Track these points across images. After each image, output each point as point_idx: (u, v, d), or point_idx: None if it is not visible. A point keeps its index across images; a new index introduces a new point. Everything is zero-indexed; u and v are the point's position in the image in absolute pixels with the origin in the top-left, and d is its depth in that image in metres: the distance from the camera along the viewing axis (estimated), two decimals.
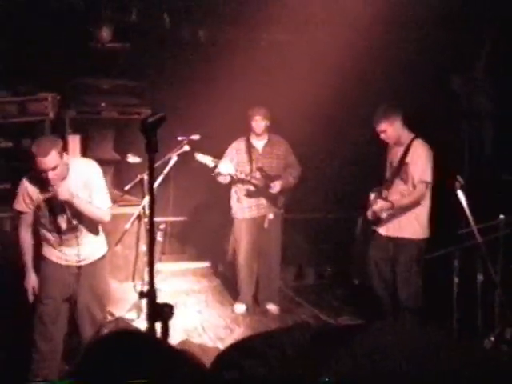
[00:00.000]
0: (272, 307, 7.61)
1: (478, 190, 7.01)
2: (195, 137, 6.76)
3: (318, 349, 2.35)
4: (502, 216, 5.73)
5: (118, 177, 8.43)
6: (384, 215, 6.60)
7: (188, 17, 8.75)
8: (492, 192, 7.19)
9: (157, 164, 6.50)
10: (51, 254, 5.61)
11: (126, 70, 8.73)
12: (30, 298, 5.60)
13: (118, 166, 8.46)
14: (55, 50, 8.42)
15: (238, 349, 2.32)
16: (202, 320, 7.30)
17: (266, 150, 7.52)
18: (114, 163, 8.49)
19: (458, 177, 5.57)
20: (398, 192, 6.58)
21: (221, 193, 7.83)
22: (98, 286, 5.76)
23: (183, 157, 6.79)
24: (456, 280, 5.66)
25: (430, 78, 8.03)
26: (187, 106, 8.83)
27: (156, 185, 6.49)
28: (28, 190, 5.42)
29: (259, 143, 7.53)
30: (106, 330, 5.22)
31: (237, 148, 7.52)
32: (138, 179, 6.67)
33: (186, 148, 6.70)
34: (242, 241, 7.61)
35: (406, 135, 6.61)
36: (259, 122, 7.38)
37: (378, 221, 6.70)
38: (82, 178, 5.46)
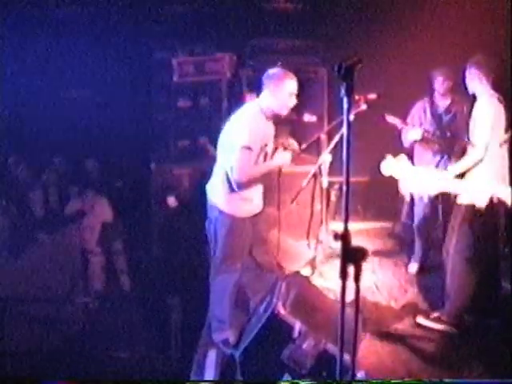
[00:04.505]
0: None
1: None
2: (372, 96, 6.66)
3: None
4: None
5: (294, 136, 8.50)
6: None
7: None
8: None
9: (332, 124, 6.51)
10: None
11: (300, 30, 8.75)
12: None
13: (293, 125, 8.54)
14: (231, 11, 8.59)
15: None
16: (376, 279, 7.26)
17: (448, 109, 7.26)
18: (290, 122, 8.58)
19: None
20: None
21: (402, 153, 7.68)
22: None
23: (360, 116, 6.71)
24: None
25: None
26: (364, 65, 8.74)
27: (332, 145, 6.49)
28: None
29: (443, 103, 7.29)
30: (283, 283, 5.33)
31: (422, 108, 7.33)
32: (314, 138, 6.70)
33: (364, 107, 6.60)
34: (419, 202, 7.46)
35: None
36: (441, 83, 7.15)
37: None
38: None
